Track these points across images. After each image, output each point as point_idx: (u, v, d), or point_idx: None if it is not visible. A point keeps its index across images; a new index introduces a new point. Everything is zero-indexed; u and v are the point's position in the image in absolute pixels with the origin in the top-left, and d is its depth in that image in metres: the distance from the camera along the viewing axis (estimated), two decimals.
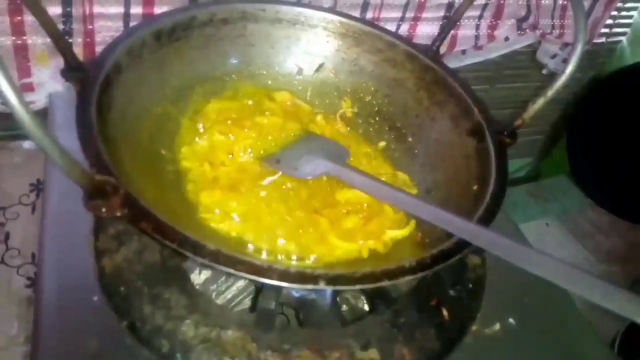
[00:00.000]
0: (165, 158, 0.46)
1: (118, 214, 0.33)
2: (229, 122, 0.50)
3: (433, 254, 0.37)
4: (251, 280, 0.43)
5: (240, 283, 0.46)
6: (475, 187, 0.45)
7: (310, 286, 0.33)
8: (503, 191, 0.43)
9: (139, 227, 0.33)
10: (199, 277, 0.45)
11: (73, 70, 0.41)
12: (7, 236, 0.69)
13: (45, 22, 0.39)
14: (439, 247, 0.37)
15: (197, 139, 0.49)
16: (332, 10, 0.57)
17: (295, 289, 0.44)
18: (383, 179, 0.48)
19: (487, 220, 0.40)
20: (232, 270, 0.33)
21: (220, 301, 0.45)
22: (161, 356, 0.40)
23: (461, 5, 0.54)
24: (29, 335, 0.60)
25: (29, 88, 0.74)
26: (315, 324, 0.45)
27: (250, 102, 0.53)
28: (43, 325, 0.41)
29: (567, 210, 1.24)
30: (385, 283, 0.34)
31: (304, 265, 0.43)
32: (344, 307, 0.47)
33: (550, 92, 0.46)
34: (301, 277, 0.33)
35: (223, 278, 0.46)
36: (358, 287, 0.34)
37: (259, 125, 0.51)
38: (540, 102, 0.47)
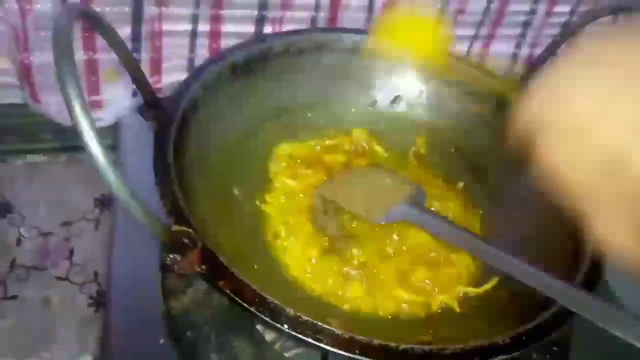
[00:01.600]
0: (238, 198, 0.44)
1: (197, 269, 0.31)
2: (298, 161, 0.49)
3: (528, 329, 0.33)
4: None
5: None
6: (570, 246, 0.41)
7: None
8: (603, 257, 0.38)
9: (217, 287, 0.31)
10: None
11: (150, 107, 0.40)
12: (71, 252, 0.71)
13: (124, 57, 0.38)
14: (535, 320, 0.34)
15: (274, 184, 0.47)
16: None
17: None
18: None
19: (588, 285, 0.36)
20: (311, 340, 0.30)
21: (272, 342, 0.43)
22: None
23: (560, 35, 0.50)
24: (88, 357, 0.61)
25: (97, 105, 0.76)
26: None
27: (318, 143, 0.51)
28: None
29: None
30: None
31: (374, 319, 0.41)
32: None
33: None
34: (385, 352, 0.31)
35: None
36: None
37: (326, 164, 0.50)
38: None
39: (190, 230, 0.32)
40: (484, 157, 0.51)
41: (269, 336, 0.42)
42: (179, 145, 0.38)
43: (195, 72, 0.44)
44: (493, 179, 0.50)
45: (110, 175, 0.25)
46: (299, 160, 0.49)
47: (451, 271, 0.44)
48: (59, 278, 0.68)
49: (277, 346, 0.42)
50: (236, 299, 0.31)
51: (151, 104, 0.40)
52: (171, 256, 0.31)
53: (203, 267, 0.31)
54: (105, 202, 0.76)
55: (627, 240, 0.27)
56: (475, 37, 0.84)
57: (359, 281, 0.42)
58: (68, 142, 0.82)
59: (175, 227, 0.32)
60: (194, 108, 0.42)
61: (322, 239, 0.44)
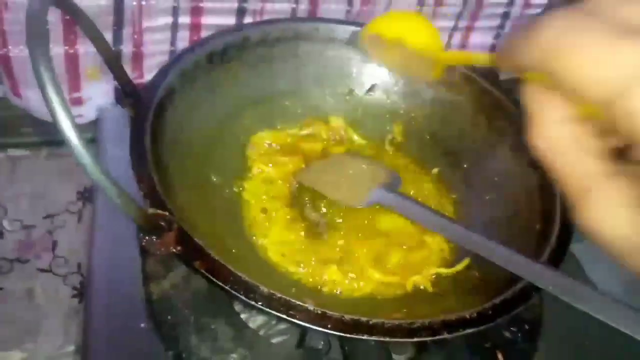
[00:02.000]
0: (216, 184, 0.45)
1: (172, 250, 0.32)
2: (277, 149, 0.49)
3: (495, 304, 0.34)
4: None
5: None
6: (538, 226, 0.42)
7: (364, 337, 0.31)
8: (570, 233, 0.40)
9: (192, 267, 0.32)
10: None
11: (127, 95, 0.41)
12: (54, 245, 0.71)
13: (102, 48, 0.38)
14: (502, 296, 0.35)
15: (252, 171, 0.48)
16: None
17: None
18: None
19: (554, 263, 0.38)
20: (285, 317, 0.31)
21: (252, 325, 0.43)
22: None
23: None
24: (75, 347, 0.61)
25: (78, 102, 0.76)
26: (362, 358, 0.44)
27: (296, 131, 0.52)
28: (93, 350, 0.41)
29: None
30: (444, 336, 0.32)
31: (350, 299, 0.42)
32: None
33: None
34: (356, 326, 0.32)
35: None
36: (415, 339, 0.32)
37: (303, 151, 0.51)
38: None
39: (165, 213, 0.33)
40: (458, 143, 0.52)
41: (245, 317, 0.43)
42: (156, 132, 0.39)
43: (173, 60, 0.45)
44: (466, 164, 0.52)
45: (85, 157, 0.26)
46: (277, 148, 0.50)
47: (424, 253, 0.45)
48: (42, 270, 0.68)
49: (256, 327, 0.43)
50: (212, 278, 0.31)
51: (128, 91, 0.41)
52: (147, 238, 0.32)
53: (179, 247, 0.32)
54: (88, 195, 0.76)
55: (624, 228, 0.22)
56: (454, 29, 0.85)
57: (336, 264, 0.43)
58: (49, 136, 0.82)
59: (151, 210, 0.33)
60: (171, 95, 0.42)
61: (299, 224, 0.45)
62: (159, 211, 0.33)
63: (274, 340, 0.43)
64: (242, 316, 0.43)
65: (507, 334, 0.46)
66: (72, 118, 0.26)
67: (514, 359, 0.45)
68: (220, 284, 0.31)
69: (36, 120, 0.76)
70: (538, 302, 0.49)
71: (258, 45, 0.50)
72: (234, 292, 0.31)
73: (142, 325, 0.42)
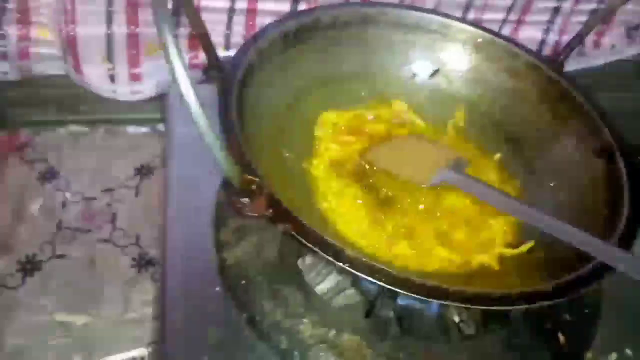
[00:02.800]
0: (288, 159, 0.47)
1: (264, 213, 0.34)
2: (342, 129, 0.51)
3: (569, 280, 0.35)
4: (367, 288, 0.44)
5: (333, 279, 0.46)
6: (605, 213, 0.43)
7: (447, 302, 0.33)
8: (638, 218, 0.41)
9: (283, 228, 0.34)
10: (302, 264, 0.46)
11: (213, 68, 0.43)
12: (114, 217, 0.74)
13: (195, 22, 0.41)
14: (577, 272, 0.36)
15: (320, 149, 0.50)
16: (451, 16, 0.56)
17: (429, 303, 0.44)
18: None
19: (623, 247, 0.38)
20: (369, 278, 0.33)
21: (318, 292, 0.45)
22: (279, 352, 0.41)
23: (590, 20, 0.52)
24: (134, 314, 0.64)
25: (137, 78, 0.79)
26: (419, 334, 0.45)
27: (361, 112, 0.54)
28: (169, 312, 0.43)
29: None
30: (521, 306, 0.34)
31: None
32: (449, 321, 0.47)
33: None
34: (437, 292, 0.33)
35: (319, 268, 0.46)
36: (495, 308, 0.33)
37: (368, 132, 0.52)
38: None
39: (256, 178, 0.35)
40: (520, 130, 0.53)
41: (317, 288, 0.45)
42: (239, 105, 0.41)
43: (252, 39, 0.46)
44: (529, 151, 0.52)
45: (201, 118, 0.28)
46: (343, 128, 0.52)
47: (488, 234, 0.46)
48: (102, 240, 0.71)
49: (324, 295, 0.44)
50: (302, 240, 0.33)
51: (214, 66, 0.43)
52: (242, 200, 0.34)
53: (270, 211, 0.34)
54: (145, 171, 0.80)
55: None
56: (504, 22, 0.85)
57: (405, 240, 0.44)
58: (107, 114, 0.85)
59: (246, 176, 0.35)
60: (251, 72, 0.44)
61: (367, 201, 0.47)
62: (252, 177, 0.35)
63: (343, 308, 0.44)
64: (312, 285, 0.45)
65: (568, 317, 0.47)
66: (194, 85, 0.28)
67: (573, 340, 0.45)
68: (311, 245, 0.33)
69: (95, 98, 0.80)
70: (597, 288, 0.49)
71: (328, 27, 0.52)
72: (323, 253, 0.33)
73: (217, 289, 0.45)
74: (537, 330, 0.45)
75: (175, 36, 0.28)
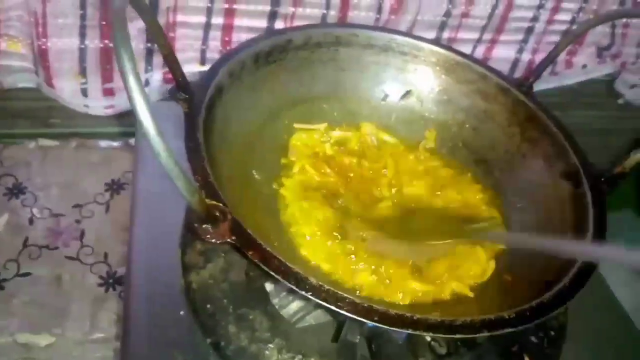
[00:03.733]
0: (258, 181, 0.46)
1: (227, 240, 0.33)
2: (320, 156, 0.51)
3: (532, 307, 0.36)
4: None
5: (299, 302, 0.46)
6: (569, 234, 0.43)
7: (409, 331, 0.33)
8: (604, 239, 0.41)
9: (246, 256, 0.33)
10: (268, 286, 0.46)
11: (180, 89, 0.42)
12: (82, 234, 0.72)
13: (160, 42, 0.40)
14: (539, 299, 0.36)
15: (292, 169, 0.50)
16: (422, 38, 0.57)
17: (394, 332, 0.43)
18: None
19: (586, 272, 0.39)
20: (332, 307, 0.33)
21: (284, 314, 0.45)
22: None
23: (561, 42, 0.53)
24: (101, 334, 0.63)
25: (110, 93, 0.77)
26: (388, 357, 0.45)
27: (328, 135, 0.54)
28: (132, 335, 0.42)
29: (632, 246, 1.18)
30: (484, 334, 0.34)
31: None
32: (418, 343, 0.47)
33: None
34: (401, 321, 0.33)
35: (284, 293, 0.46)
36: (458, 336, 0.33)
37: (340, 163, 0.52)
38: None
39: (220, 204, 0.35)
40: (489, 151, 0.54)
41: (283, 311, 0.44)
42: (207, 127, 0.41)
43: (221, 59, 0.46)
44: (498, 173, 0.53)
45: (159, 144, 0.27)
46: (319, 155, 0.51)
47: (469, 264, 0.46)
48: (70, 258, 0.69)
49: (292, 319, 0.44)
50: (265, 267, 0.33)
51: (181, 86, 0.42)
52: (204, 226, 0.33)
53: (233, 237, 0.34)
54: (116, 187, 0.78)
55: None
56: (478, 41, 0.87)
57: (369, 271, 0.44)
58: (78, 128, 0.84)
59: (209, 202, 0.34)
60: (220, 93, 0.44)
61: (337, 227, 0.46)
62: (215, 202, 0.34)
63: (310, 332, 0.44)
64: (279, 309, 0.44)
65: (534, 339, 0.47)
66: (149, 107, 0.27)
67: None
68: (273, 273, 0.33)
69: (66, 111, 0.78)
70: (563, 310, 0.50)
71: (300, 48, 0.52)
72: (285, 281, 0.33)
73: (182, 313, 0.44)
74: (504, 353, 0.46)
75: (134, 62, 0.27)
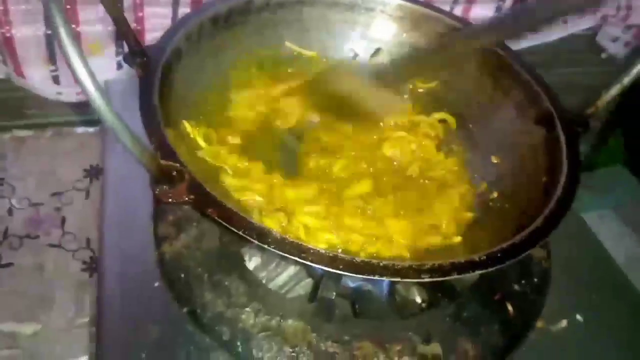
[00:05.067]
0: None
1: (185, 199, 0.32)
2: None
3: (504, 248, 0.35)
4: (312, 270, 0.43)
5: (291, 270, 0.45)
6: (544, 179, 0.42)
7: (376, 277, 0.32)
8: (576, 183, 0.40)
9: (206, 214, 0.32)
10: (251, 263, 0.45)
11: (135, 55, 0.41)
12: (63, 221, 0.71)
13: (112, 8, 0.39)
14: (510, 241, 0.35)
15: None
16: None
17: (357, 280, 0.43)
18: None
19: (560, 213, 0.38)
20: (297, 258, 0.32)
21: (272, 287, 0.44)
22: (222, 343, 0.40)
23: None
24: (86, 318, 0.62)
25: None
26: (371, 315, 0.44)
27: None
28: (106, 310, 0.42)
29: (622, 201, 1.18)
30: (454, 277, 0.33)
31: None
32: (400, 299, 0.46)
33: (626, 79, 0.43)
34: (367, 267, 0.32)
35: (274, 265, 0.45)
36: (427, 279, 0.32)
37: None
38: (615, 89, 0.44)
39: (177, 164, 0.33)
40: (463, 104, 0.53)
41: (271, 284, 0.43)
42: (164, 91, 0.39)
43: (178, 23, 0.45)
44: (472, 124, 0.52)
45: (104, 109, 0.26)
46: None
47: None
48: (52, 245, 0.69)
49: (270, 283, 0.43)
50: (225, 224, 0.32)
51: (136, 52, 0.41)
52: (162, 187, 0.32)
53: (191, 197, 0.33)
54: (94, 172, 0.77)
55: None
56: (455, 2, 0.85)
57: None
58: (54, 117, 0.83)
59: (164, 162, 0.33)
60: (178, 57, 0.43)
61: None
62: (171, 163, 0.33)
63: (280, 292, 0.43)
64: (255, 272, 0.43)
65: (517, 287, 0.46)
66: (87, 65, 0.26)
67: (523, 310, 0.45)
68: (234, 229, 0.32)
69: (39, 101, 0.77)
70: (546, 257, 0.49)
71: (262, 9, 0.50)
72: (247, 236, 0.32)
73: (156, 284, 0.43)
74: (486, 302, 0.45)
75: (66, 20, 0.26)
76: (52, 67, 0.73)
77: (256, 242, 0.32)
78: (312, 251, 0.32)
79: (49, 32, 0.71)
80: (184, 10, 0.73)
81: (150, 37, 0.74)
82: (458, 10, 0.86)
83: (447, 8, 0.84)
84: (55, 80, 0.74)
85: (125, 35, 0.40)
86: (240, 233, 0.32)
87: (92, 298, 0.64)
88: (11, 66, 0.73)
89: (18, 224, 0.70)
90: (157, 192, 0.32)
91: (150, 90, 0.38)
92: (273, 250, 0.31)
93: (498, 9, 0.88)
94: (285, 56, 0.53)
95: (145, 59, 0.41)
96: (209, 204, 0.33)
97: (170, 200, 0.32)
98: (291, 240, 0.32)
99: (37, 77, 0.74)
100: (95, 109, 0.27)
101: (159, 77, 0.39)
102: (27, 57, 0.72)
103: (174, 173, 0.33)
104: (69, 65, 0.26)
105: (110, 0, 0.38)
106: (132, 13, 0.72)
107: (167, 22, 0.75)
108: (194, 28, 0.45)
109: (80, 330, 0.61)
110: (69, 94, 0.76)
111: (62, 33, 0.25)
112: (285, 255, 0.31)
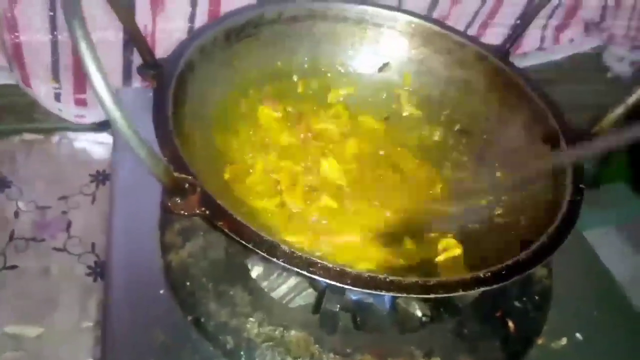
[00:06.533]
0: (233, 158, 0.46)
1: (197, 211, 0.33)
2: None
3: (509, 265, 0.35)
4: (315, 282, 0.44)
5: (292, 281, 0.46)
6: (548, 196, 0.43)
7: (382, 292, 0.32)
8: (580, 202, 0.41)
9: (217, 226, 0.33)
10: (254, 272, 0.45)
11: (149, 67, 0.42)
12: (69, 224, 0.72)
13: (127, 20, 0.39)
14: (515, 258, 0.36)
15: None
16: (397, 9, 0.56)
17: (363, 295, 0.43)
18: None
19: (565, 230, 0.39)
20: (305, 272, 0.32)
21: (274, 296, 0.44)
22: (225, 352, 0.40)
23: (536, 5, 0.52)
24: (90, 322, 0.63)
25: (82, 103, 0.76)
26: (372, 328, 0.45)
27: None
28: (112, 315, 0.42)
29: (626, 219, 1.18)
30: (459, 293, 0.33)
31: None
32: (401, 313, 0.46)
33: (631, 100, 0.44)
34: (374, 283, 0.33)
35: (275, 275, 0.45)
36: (432, 296, 0.33)
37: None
38: (620, 109, 0.45)
39: (189, 177, 0.34)
40: (471, 121, 0.53)
41: (273, 293, 0.44)
42: (178, 102, 0.40)
43: (192, 36, 0.46)
44: (479, 141, 0.52)
45: (121, 121, 0.27)
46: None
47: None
48: (57, 249, 0.69)
49: (272, 293, 0.44)
50: (235, 237, 0.33)
51: (150, 64, 0.42)
52: (175, 199, 0.33)
53: (203, 209, 0.33)
54: (101, 178, 0.78)
55: None
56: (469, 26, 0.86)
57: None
58: (62, 121, 0.83)
59: (177, 175, 0.34)
60: (190, 69, 0.44)
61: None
62: (184, 175, 0.34)
63: (292, 305, 0.43)
64: (260, 283, 0.44)
65: (518, 304, 0.47)
66: (106, 79, 0.26)
67: (524, 327, 0.45)
68: (244, 242, 0.32)
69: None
70: (547, 275, 0.49)
71: (274, 22, 0.51)
72: (256, 249, 0.32)
73: (161, 292, 0.43)
74: (487, 318, 0.45)
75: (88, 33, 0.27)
76: (56, 85, 0.74)
77: (265, 255, 0.32)
78: (319, 265, 0.32)
79: (54, 59, 0.71)
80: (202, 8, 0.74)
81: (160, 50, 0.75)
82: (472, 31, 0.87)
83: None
84: (57, 97, 0.75)
85: (140, 47, 0.41)
86: (250, 246, 0.32)
87: (96, 302, 0.65)
88: (19, 75, 0.74)
89: (24, 227, 0.70)
90: (169, 204, 0.33)
91: (163, 102, 0.38)
92: (283, 264, 0.32)
93: (515, 27, 0.89)
94: (295, 69, 0.54)
95: (158, 70, 0.42)
96: (220, 217, 0.33)
97: (182, 212, 0.33)
98: (299, 254, 0.33)
99: (42, 90, 0.74)
100: (116, 128, 0.27)
101: (172, 88, 0.40)
102: (34, 69, 0.72)
103: (187, 185, 0.34)
104: (89, 79, 0.26)
105: (125, 14, 0.39)
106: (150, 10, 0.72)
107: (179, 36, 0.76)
108: (208, 40, 0.46)
109: (84, 334, 0.62)
110: (68, 114, 0.76)
111: (84, 49, 0.26)
112: (294, 269, 0.32)
